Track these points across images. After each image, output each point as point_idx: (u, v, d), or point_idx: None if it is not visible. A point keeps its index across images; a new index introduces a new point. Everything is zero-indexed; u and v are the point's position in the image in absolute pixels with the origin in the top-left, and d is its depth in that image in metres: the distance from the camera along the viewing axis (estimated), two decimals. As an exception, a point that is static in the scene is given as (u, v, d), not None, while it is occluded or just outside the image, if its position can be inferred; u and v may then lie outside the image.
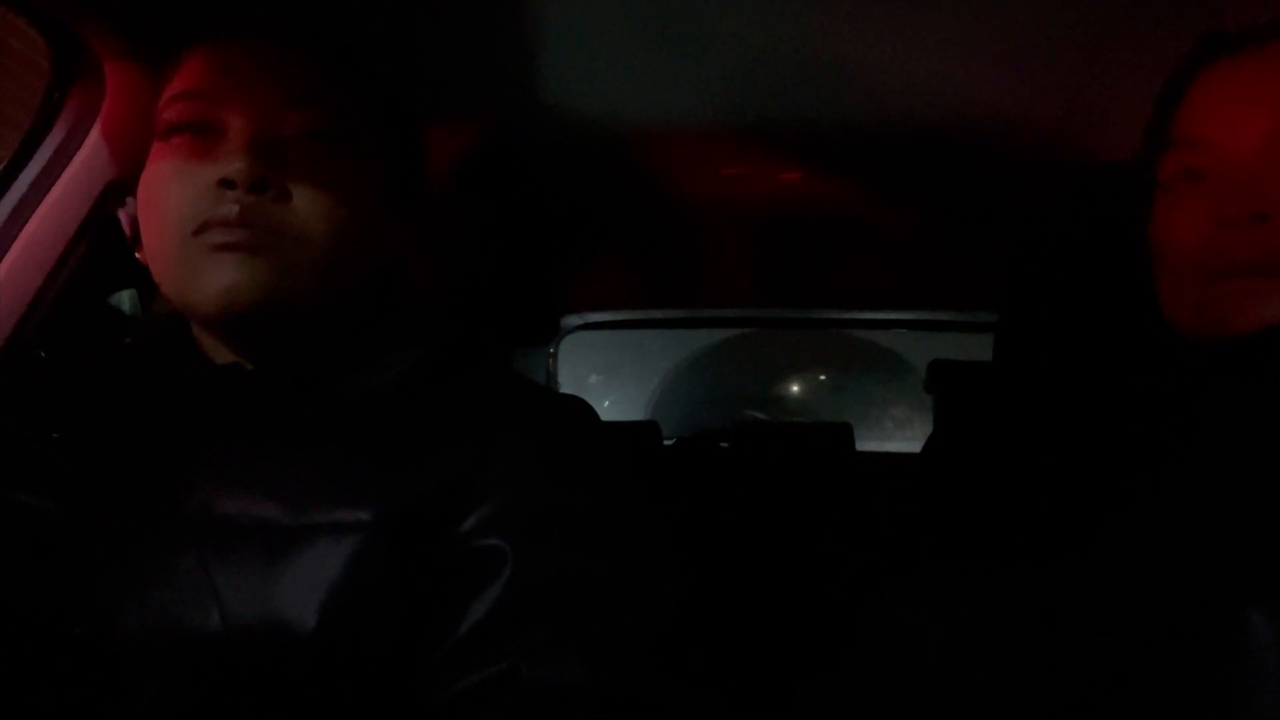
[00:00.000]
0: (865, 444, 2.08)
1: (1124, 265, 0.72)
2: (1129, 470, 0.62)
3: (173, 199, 0.67)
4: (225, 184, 0.66)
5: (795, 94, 1.08)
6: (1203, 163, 0.66)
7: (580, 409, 0.73)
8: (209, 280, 0.66)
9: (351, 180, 0.71)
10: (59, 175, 0.90)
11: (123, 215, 0.76)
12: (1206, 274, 0.64)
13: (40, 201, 0.89)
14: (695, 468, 1.99)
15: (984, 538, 0.66)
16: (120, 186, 0.91)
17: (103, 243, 0.91)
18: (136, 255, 0.75)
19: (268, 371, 0.70)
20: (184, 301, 0.69)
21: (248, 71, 0.70)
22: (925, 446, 0.91)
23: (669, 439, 2.17)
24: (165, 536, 0.61)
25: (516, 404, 0.70)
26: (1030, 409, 0.76)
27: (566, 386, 2.49)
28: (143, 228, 0.72)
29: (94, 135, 0.91)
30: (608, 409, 4.01)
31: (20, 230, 0.88)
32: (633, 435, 1.99)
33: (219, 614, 0.58)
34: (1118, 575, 0.57)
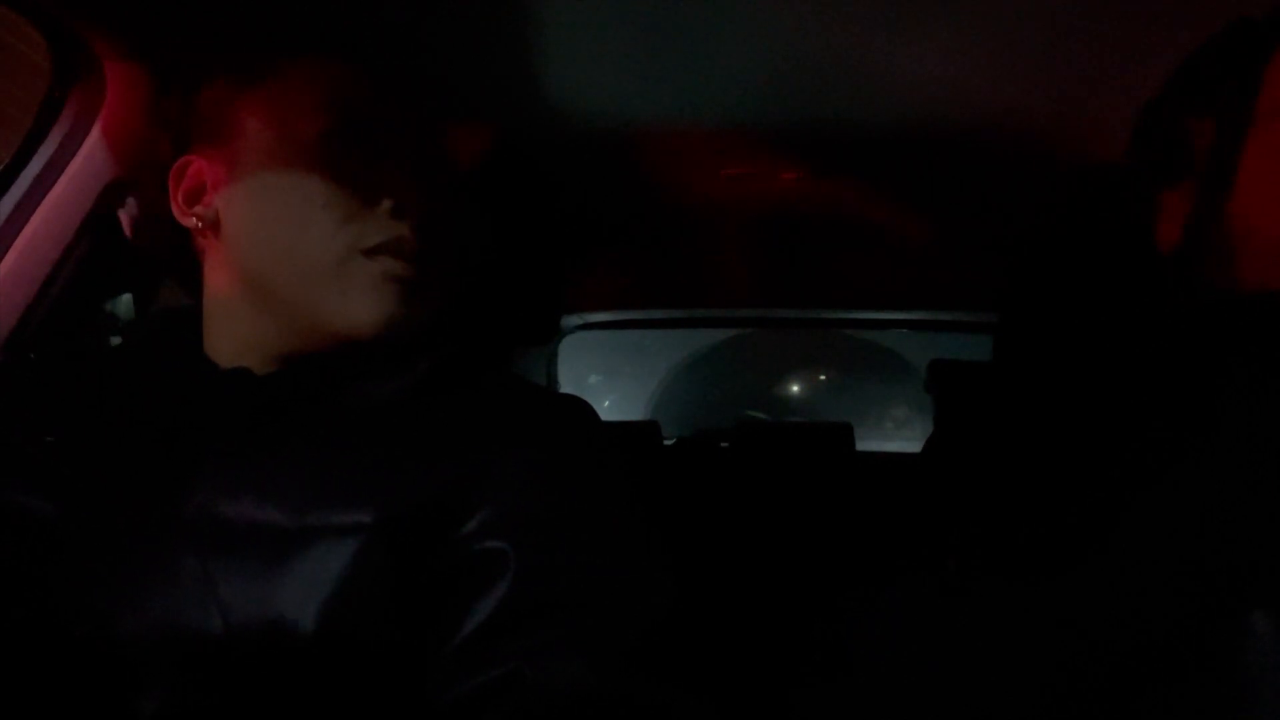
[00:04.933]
0: (865, 444, 2.08)
1: (1124, 265, 0.72)
2: (1131, 470, 0.62)
3: (339, 210, 0.68)
4: (399, 211, 0.68)
5: (795, 94, 1.08)
6: None
7: (580, 410, 0.73)
8: (372, 306, 0.68)
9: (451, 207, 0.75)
10: (59, 175, 0.90)
11: (123, 215, 0.76)
12: None
13: (41, 201, 0.89)
14: (695, 468, 1.99)
15: (985, 539, 0.66)
16: (120, 186, 0.91)
17: (102, 243, 0.91)
18: (137, 245, 0.74)
19: (278, 378, 0.69)
20: (320, 311, 0.69)
21: (401, 102, 0.73)
22: (925, 446, 0.91)
23: (669, 439, 2.17)
24: (166, 539, 0.61)
25: (517, 406, 0.70)
26: (1030, 409, 0.75)
27: (566, 386, 2.49)
28: (266, 220, 0.70)
29: (94, 135, 0.91)
30: (608, 409, 4.01)
31: (20, 230, 0.88)
32: (633, 435, 1.99)
33: (220, 616, 0.58)
34: (1120, 577, 0.57)
